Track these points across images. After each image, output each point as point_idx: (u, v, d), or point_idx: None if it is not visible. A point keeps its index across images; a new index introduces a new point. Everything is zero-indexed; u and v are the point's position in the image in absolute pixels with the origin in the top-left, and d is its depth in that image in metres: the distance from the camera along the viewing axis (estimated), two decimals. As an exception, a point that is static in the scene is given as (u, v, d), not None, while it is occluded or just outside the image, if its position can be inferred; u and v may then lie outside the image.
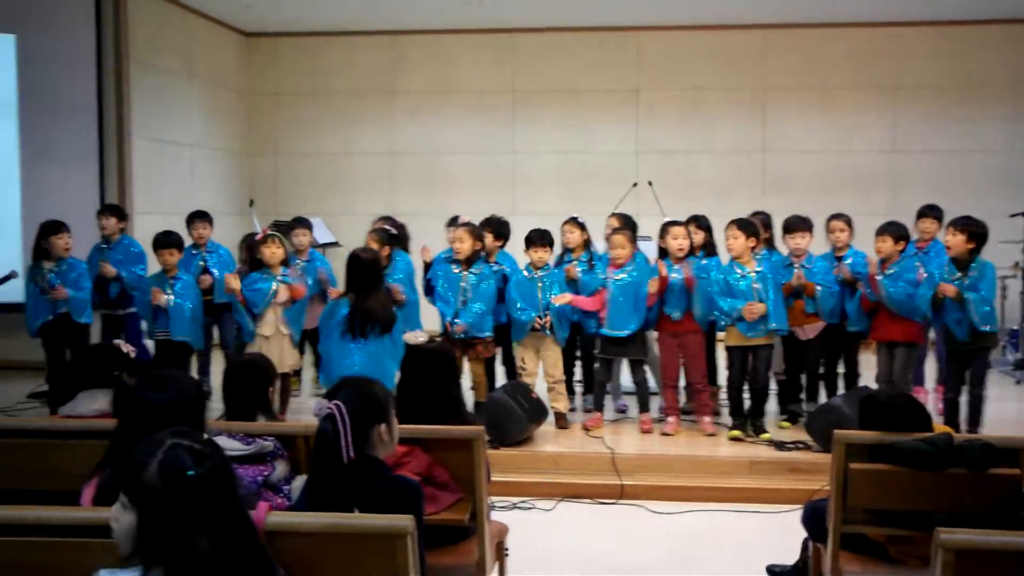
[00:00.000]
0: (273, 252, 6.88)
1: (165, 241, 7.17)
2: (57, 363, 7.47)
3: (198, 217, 8.14)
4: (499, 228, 7.53)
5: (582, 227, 7.43)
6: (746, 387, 6.87)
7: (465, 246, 6.97)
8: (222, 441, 3.50)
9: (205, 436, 2.33)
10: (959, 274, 6.27)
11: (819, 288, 6.83)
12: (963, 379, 6.45)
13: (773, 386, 7.20)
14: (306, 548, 2.77)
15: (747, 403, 6.88)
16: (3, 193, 9.21)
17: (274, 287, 6.82)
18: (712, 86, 11.90)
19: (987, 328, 6.21)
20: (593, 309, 7.02)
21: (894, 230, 6.76)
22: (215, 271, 7.79)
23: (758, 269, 6.69)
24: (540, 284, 7.04)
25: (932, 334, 7.29)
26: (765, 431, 6.73)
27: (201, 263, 7.88)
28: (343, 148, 12.45)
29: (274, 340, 6.80)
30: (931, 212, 7.65)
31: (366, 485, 3.01)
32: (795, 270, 6.91)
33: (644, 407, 7.05)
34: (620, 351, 7.00)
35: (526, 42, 12.11)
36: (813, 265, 6.96)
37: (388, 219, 7.84)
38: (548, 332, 7.00)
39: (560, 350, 7.13)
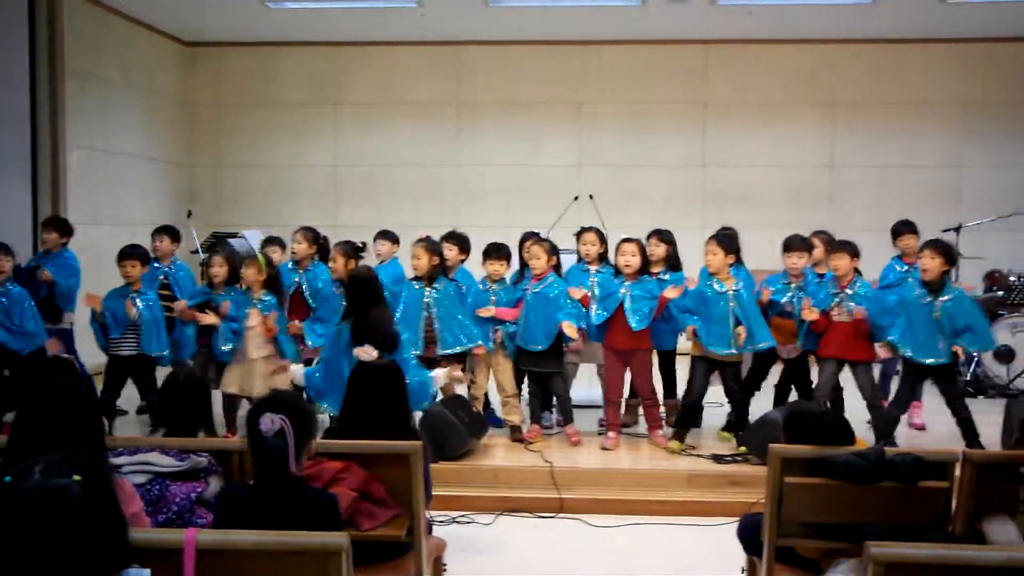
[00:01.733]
0: (249, 275, 6.85)
1: (130, 253, 7.05)
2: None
3: (158, 231, 8.02)
4: (462, 242, 7.49)
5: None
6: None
7: (422, 262, 6.93)
8: (154, 457, 3.46)
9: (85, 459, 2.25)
10: (930, 297, 6.40)
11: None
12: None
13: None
14: (239, 566, 2.74)
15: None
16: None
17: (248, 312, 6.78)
18: (655, 100, 12.00)
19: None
20: (510, 319, 7.00)
21: (850, 248, 6.82)
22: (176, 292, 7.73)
23: (736, 288, 6.70)
24: (493, 299, 7.03)
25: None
26: (742, 443, 6.69)
27: (161, 278, 7.76)
28: (286, 159, 12.37)
29: (252, 364, 6.75)
30: (907, 228, 7.66)
31: (291, 499, 3.07)
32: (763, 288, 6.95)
33: (567, 419, 7.06)
34: (534, 363, 6.98)
35: (471, 54, 12.13)
36: (809, 286, 6.97)
37: (310, 229, 7.74)
38: (496, 346, 7.00)
39: (512, 364, 7.10)
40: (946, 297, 6.43)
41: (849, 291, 6.72)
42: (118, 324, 6.94)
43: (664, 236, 7.40)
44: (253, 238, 10.97)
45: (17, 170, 9.22)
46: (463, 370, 6.94)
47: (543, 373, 7.03)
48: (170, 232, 8.05)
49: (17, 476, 2.09)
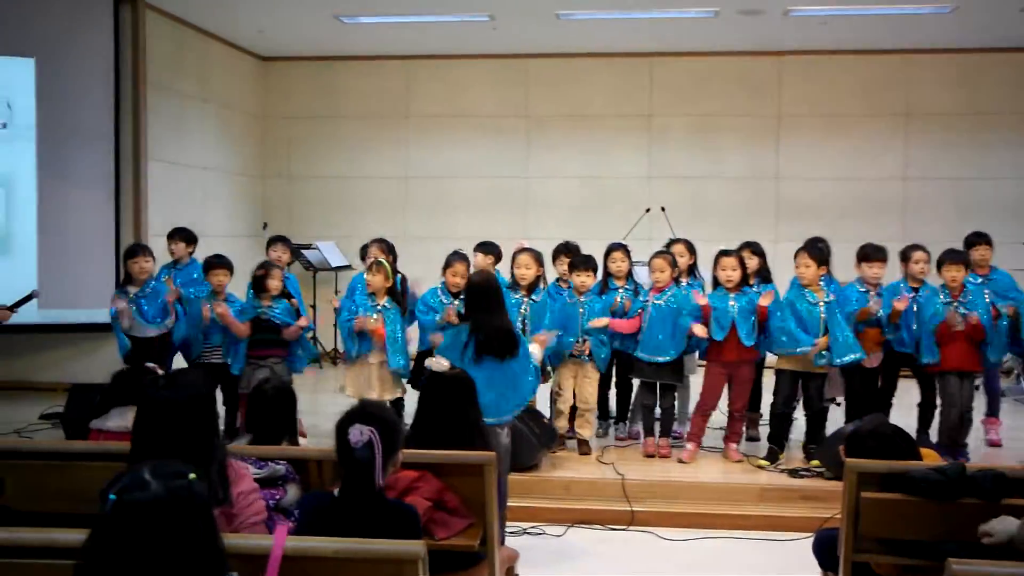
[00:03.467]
0: (375, 281, 6.90)
1: (217, 263, 7.23)
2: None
3: (175, 233, 8.21)
4: (577, 253, 7.37)
5: (629, 255, 7.36)
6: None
7: (531, 272, 6.96)
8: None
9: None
10: None
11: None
12: None
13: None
14: (318, 573, 2.79)
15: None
16: (20, 215, 9.27)
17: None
18: (725, 112, 11.92)
19: None
20: (629, 331, 6.98)
21: (964, 258, 6.84)
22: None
23: (827, 300, 6.66)
24: (582, 310, 7.00)
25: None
26: (815, 458, 6.65)
27: (164, 278, 7.88)
28: (355, 172, 12.51)
29: (371, 369, 6.84)
30: (981, 239, 7.52)
31: (373, 510, 3.13)
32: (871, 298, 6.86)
33: (665, 432, 7.05)
34: (657, 375, 6.97)
35: (539, 67, 12.17)
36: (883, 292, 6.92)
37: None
38: (587, 358, 6.99)
39: (598, 377, 7.11)
40: None
41: (962, 299, 6.69)
42: (213, 333, 7.09)
43: (756, 248, 7.38)
44: (327, 250, 11.15)
45: (101, 183, 9.49)
46: (546, 380, 6.98)
47: (662, 384, 7.04)
48: (185, 235, 8.19)
49: (125, 490, 1.99)
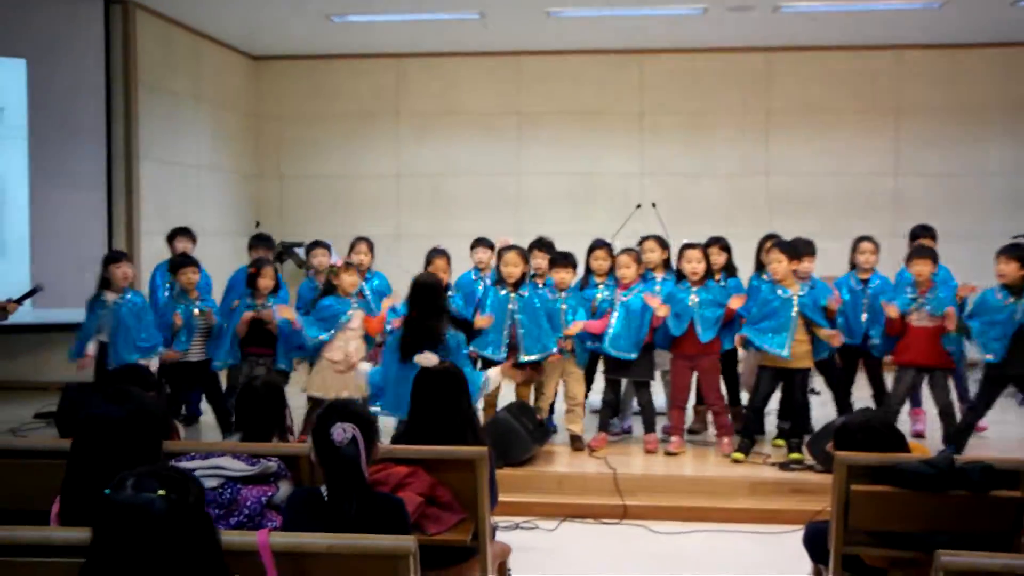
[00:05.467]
0: (348, 280, 6.92)
1: (184, 262, 7.26)
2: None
3: (179, 233, 8.17)
4: (552, 249, 7.46)
5: (612, 253, 7.39)
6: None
7: (517, 269, 6.98)
8: (226, 461, 3.53)
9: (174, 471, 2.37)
10: (1012, 298, 6.35)
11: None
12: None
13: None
14: (310, 569, 2.81)
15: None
16: (13, 215, 9.27)
17: (349, 313, 6.86)
18: (716, 109, 11.95)
19: None
20: (599, 331, 6.99)
21: (933, 255, 6.85)
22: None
23: (801, 293, 6.69)
24: (564, 307, 7.03)
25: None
26: (800, 452, 6.69)
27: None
28: (348, 170, 12.52)
29: (341, 366, 6.81)
30: (925, 232, 7.65)
31: (360, 504, 3.15)
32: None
33: (650, 428, 7.06)
34: (623, 372, 7.02)
35: (531, 65, 12.19)
36: (816, 285, 6.97)
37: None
38: (569, 354, 7.01)
39: (582, 373, 7.13)
40: None
41: (929, 296, 6.70)
42: (189, 333, 7.11)
43: (723, 244, 7.45)
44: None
45: (93, 181, 9.49)
46: (538, 376, 7.08)
47: (620, 382, 7.12)
48: (189, 234, 8.19)
49: (114, 488, 2.23)
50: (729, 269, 7.40)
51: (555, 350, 6.88)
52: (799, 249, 6.84)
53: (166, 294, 7.66)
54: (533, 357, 6.88)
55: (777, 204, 11.77)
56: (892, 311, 6.71)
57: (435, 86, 12.39)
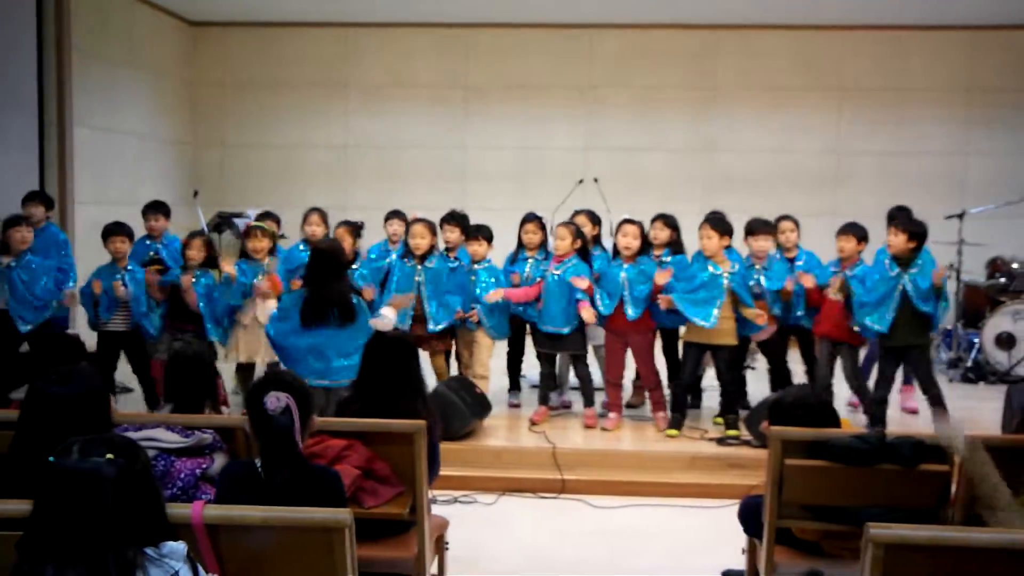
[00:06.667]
0: (257, 245, 6.89)
1: (116, 230, 7.10)
2: (9, 351, 7.30)
3: (152, 208, 8.03)
4: (464, 223, 7.48)
5: (543, 226, 7.39)
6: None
7: (425, 241, 6.99)
8: (160, 433, 3.49)
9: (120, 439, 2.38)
10: (898, 269, 6.47)
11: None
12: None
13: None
14: (244, 541, 2.79)
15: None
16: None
17: (260, 276, 6.82)
18: (663, 84, 11.98)
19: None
20: (525, 300, 7.02)
21: (858, 231, 6.96)
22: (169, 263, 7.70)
23: (732, 270, 6.72)
24: (473, 278, 7.08)
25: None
26: (737, 428, 6.75)
27: (152, 253, 7.75)
28: (294, 141, 12.35)
29: (251, 330, 6.78)
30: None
31: (295, 476, 3.13)
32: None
33: (588, 402, 7.09)
34: (556, 346, 7.03)
35: (480, 37, 12.09)
36: (772, 267, 7.05)
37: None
38: (474, 325, 7.05)
39: (491, 344, 7.17)
40: (914, 269, 6.49)
41: (849, 272, 6.80)
42: (110, 302, 6.99)
43: (668, 221, 7.41)
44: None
45: (24, 147, 9.25)
46: (453, 346, 7.25)
47: (554, 356, 7.15)
48: (163, 209, 8.05)
49: (59, 454, 2.23)
50: (675, 246, 7.39)
51: (458, 313, 6.95)
52: (729, 226, 6.87)
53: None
54: (441, 326, 6.94)
55: (720, 181, 11.83)
56: (808, 280, 6.84)
57: (383, 57, 12.25)
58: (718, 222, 6.84)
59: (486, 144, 12.20)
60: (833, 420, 3.99)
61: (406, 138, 12.26)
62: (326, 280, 5.81)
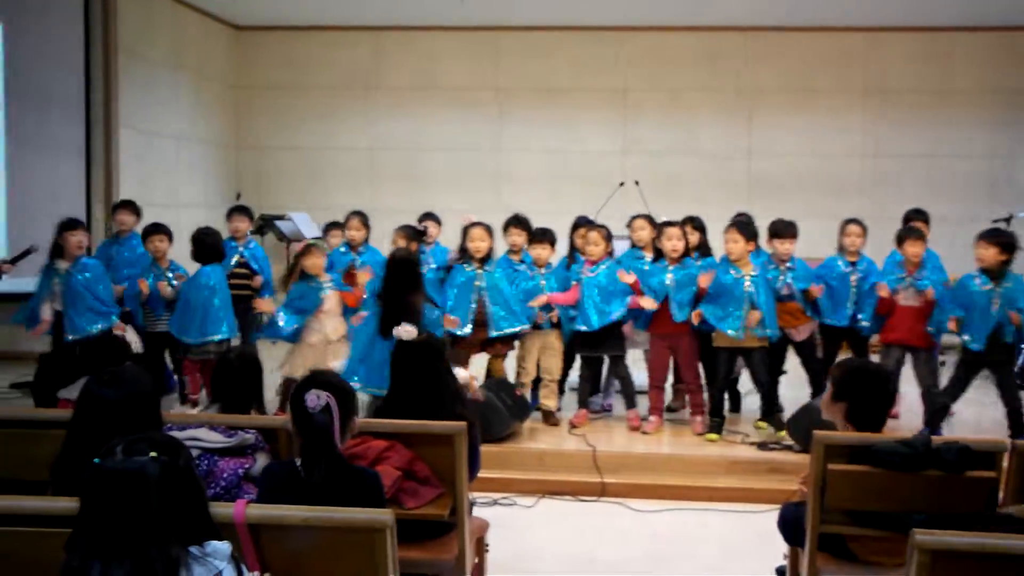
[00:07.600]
0: (316, 262, 6.90)
1: (156, 229, 7.18)
2: (61, 351, 7.35)
3: (237, 211, 8.10)
4: (529, 227, 7.35)
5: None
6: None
7: (484, 244, 6.94)
8: (203, 433, 3.52)
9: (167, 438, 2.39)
10: (991, 284, 6.39)
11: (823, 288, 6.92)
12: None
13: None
14: (286, 541, 2.80)
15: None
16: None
17: (322, 295, 6.84)
18: (697, 87, 11.93)
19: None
20: (567, 303, 6.98)
21: (923, 235, 6.88)
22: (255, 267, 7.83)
23: (753, 273, 6.68)
24: (542, 282, 7.02)
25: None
26: (784, 428, 6.68)
27: (237, 257, 7.79)
28: (323, 143, 12.44)
29: (317, 349, 6.78)
30: (919, 216, 7.66)
31: (335, 475, 3.15)
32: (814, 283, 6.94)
33: (631, 403, 7.06)
34: (596, 348, 7.00)
35: (509, 41, 12.13)
36: (797, 267, 6.99)
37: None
38: (549, 325, 6.98)
39: (561, 348, 7.10)
40: (1007, 284, 6.41)
41: (917, 276, 6.74)
42: (155, 302, 7.05)
43: (697, 223, 7.43)
44: (301, 221, 11.09)
45: (71, 148, 9.38)
46: (509, 350, 7.15)
47: (599, 357, 7.12)
48: (247, 212, 8.09)
49: (103, 455, 2.24)
50: (703, 249, 7.35)
51: (528, 326, 6.87)
52: (755, 230, 6.83)
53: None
54: (503, 332, 6.87)
55: (756, 184, 11.77)
56: (883, 290, 6.74)
57: (412, 60, 12.32)
58: (744, 226, 6.80)
59: (519, 146, 12.24)
60: (891, 397, 4.04)
61: (436, 140, 12.32)
62: (402, 291, 5.80)
